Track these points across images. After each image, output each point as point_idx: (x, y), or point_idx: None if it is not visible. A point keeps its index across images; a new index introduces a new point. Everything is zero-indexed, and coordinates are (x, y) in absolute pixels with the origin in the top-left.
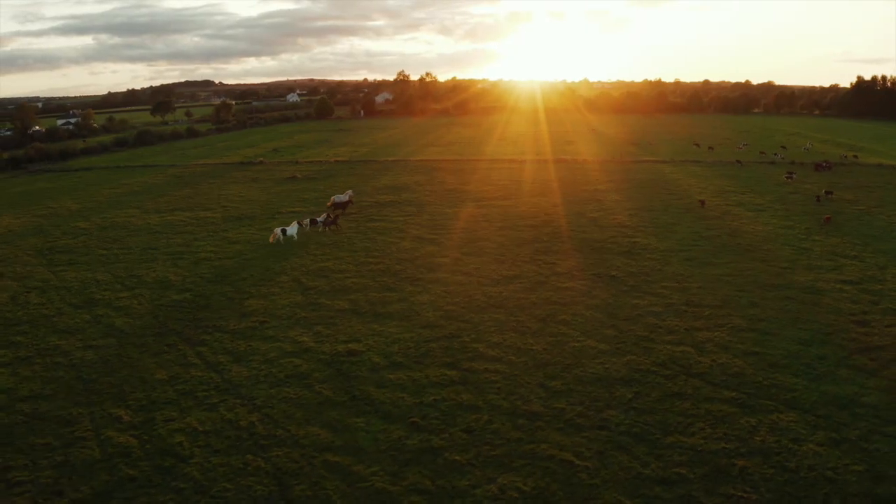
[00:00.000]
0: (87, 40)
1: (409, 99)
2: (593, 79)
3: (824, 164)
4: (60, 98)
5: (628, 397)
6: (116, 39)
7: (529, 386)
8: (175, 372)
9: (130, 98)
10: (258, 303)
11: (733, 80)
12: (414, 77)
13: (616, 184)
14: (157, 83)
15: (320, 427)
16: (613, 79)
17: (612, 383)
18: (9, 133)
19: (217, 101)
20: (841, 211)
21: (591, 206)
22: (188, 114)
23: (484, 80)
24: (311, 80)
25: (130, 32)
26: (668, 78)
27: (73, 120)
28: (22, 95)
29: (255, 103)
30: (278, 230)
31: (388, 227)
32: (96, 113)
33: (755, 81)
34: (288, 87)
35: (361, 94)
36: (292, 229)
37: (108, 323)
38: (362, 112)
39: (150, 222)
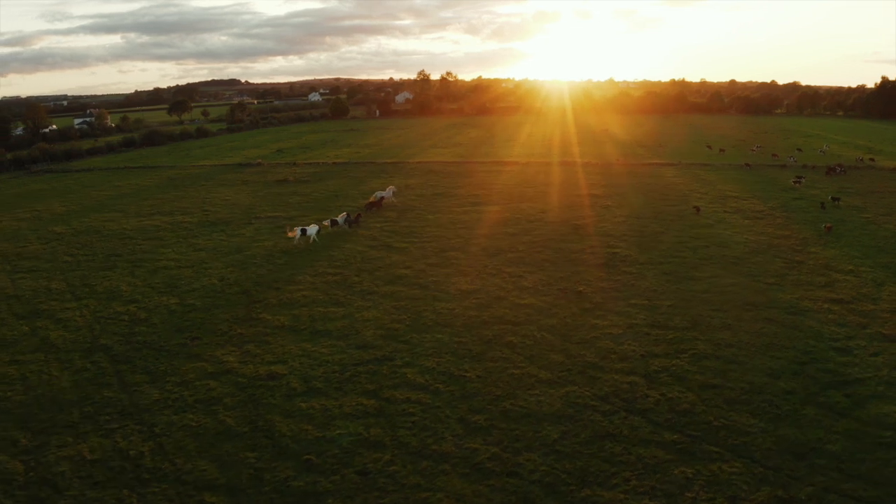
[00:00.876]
0: (115, 39)
1: (425, 99)
2: (619, 78)
3: (837, 168)
4: (88, 96)
5: (553, 437)
6: (145, 38)
7: (448, 421)
8: (87, 392)
9: (155, 97)
10: (198, 316)
11: (760, 80)
12: (436, 77)
13: (612, 188)
14: (184, 82)
15: (209, 461)
16: (640, 79)
17: (540, 419)
18: (20, 132)
19: (252, 101)
20: (846, 219)
21: (578, 213)
22: (205, 113)
23: (509, 80)
24: (338, 78)
25: (158, 31)
26: (695, 78)
27: (89, 119)
28: (50, 93)
29: (276, 102)
30: (298, 229)
31: (359, 235)
32: (120, 112)
33: (781, 81)
34: (311, 86)
35: (382, 94)
36: (312, 230)
37: (43, 336)
38: (378, 112)
39: (125, 227)
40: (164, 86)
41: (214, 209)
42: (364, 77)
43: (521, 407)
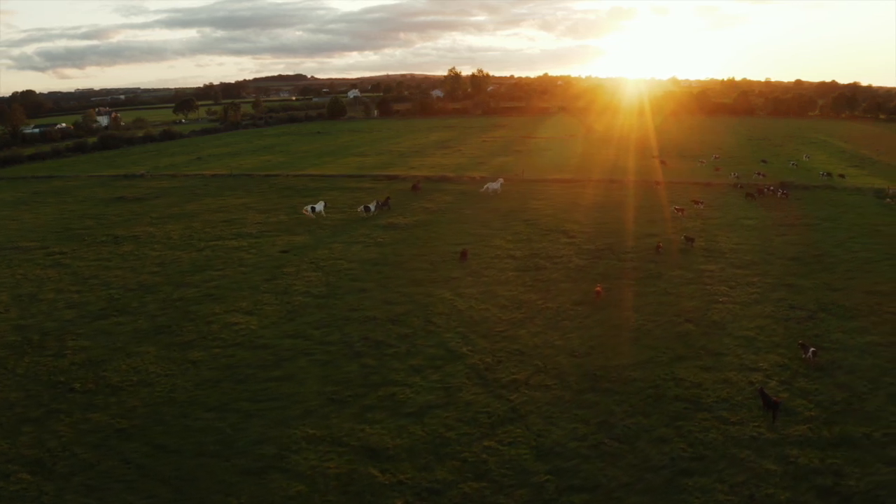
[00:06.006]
0: (191, 33)
1: (428, 99)
2: (682, 77)
3: (775, 189)
4: (159, 90)
5: None
6: (220, 33)
7: None
8: None
9: (205, 93)
10: None
11: (828, 79)
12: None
13: (431, 214)
14: (261, 76)
15: None
16: (706, 77)
17: None
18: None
19: (291, 97)
20: (666, 273)
21: (309, 258)
22: (210, 112)
23: (566, 77)
24: (403, 75)
25: (234, 26)
26: (759, 76)
27: (102, 119)
28: (128, 86)
29: (315, 100)
30: (308, 207)
31: (39, 276)
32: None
33: (842, 81)
34: (351, 83)
35: (418, 92)
36: (320, 206)
37: None
38: (376, 112)
39: None
40: (242, 79)
41: None
42: (441, 73)
43: None
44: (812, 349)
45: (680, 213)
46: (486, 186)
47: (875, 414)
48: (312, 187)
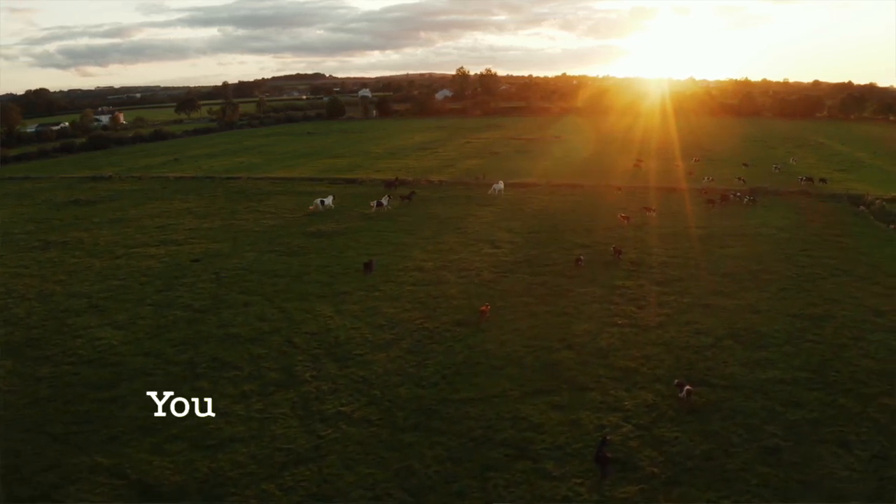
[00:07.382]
0: (213, 31)
1: (428, 101)
2: (701, 77)
3: (739, 195)
4: (180, 88)
5: None
6: (241, 31)
7: None
8: None
9: (217, 91)
10: None
11: (846, 80)
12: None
13: (364, 220)
14: (281, 74)
15: None
16: (726, 77)
17: None
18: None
19: (301, 97)
20: (574, 289)
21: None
22: (211, 112)
23: (581, 77)
24: (422, 74)
25: (255, 25)
26: (778, 77)
27: (103, 118)
28: (149, 84)
29: (324, 99)
30: (318, 201)
31: None
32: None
33: (861, 82)
34: (363, 83)
35: (423, 93)
36: (328, 200)
37: None
38: (375, 112)
39: None
40: (263, 77)
41: None
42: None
43: None
44: (687, 387)
45: (625, 222)
46: (493, 188)
47: (735, 475)
48: (266, 191)
